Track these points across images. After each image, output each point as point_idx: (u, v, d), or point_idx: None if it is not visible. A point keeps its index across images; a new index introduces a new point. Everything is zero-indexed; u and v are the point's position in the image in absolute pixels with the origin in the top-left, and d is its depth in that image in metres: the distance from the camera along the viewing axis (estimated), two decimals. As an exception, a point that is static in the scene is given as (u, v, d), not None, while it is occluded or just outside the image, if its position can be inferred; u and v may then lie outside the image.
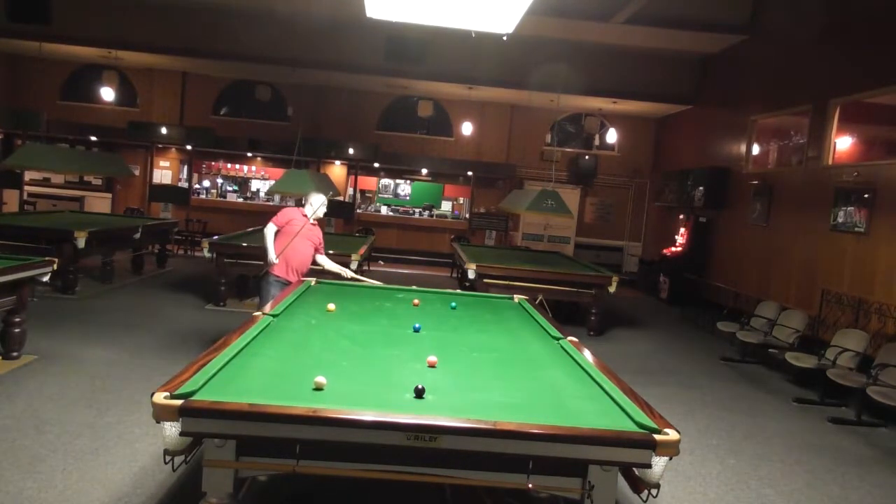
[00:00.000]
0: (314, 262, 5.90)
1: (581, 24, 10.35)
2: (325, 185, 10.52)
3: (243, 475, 2.55)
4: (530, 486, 2.45)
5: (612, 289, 8.07)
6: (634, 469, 2.50)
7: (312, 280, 5.41)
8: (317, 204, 5.70)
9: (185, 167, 14.64)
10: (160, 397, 2.35)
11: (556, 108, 12.00)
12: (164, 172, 14.54)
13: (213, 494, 2.44)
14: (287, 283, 5.41)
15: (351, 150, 13.67)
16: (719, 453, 4.78)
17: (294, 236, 5.50)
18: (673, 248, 12.10)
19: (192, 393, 2.42)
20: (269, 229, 5.60)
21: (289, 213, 5.68)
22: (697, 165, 11.77)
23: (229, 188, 15.09)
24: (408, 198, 15.76)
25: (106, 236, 8.58)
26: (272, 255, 5.51)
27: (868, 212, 7.17)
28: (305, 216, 5.62)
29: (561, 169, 13.95)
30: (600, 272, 8.48)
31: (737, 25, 10.40)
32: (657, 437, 2.39)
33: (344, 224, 14.06)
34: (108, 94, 12.95)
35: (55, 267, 5.56)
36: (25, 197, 13.51)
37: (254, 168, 15.17)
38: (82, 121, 13.84)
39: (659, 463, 2.39)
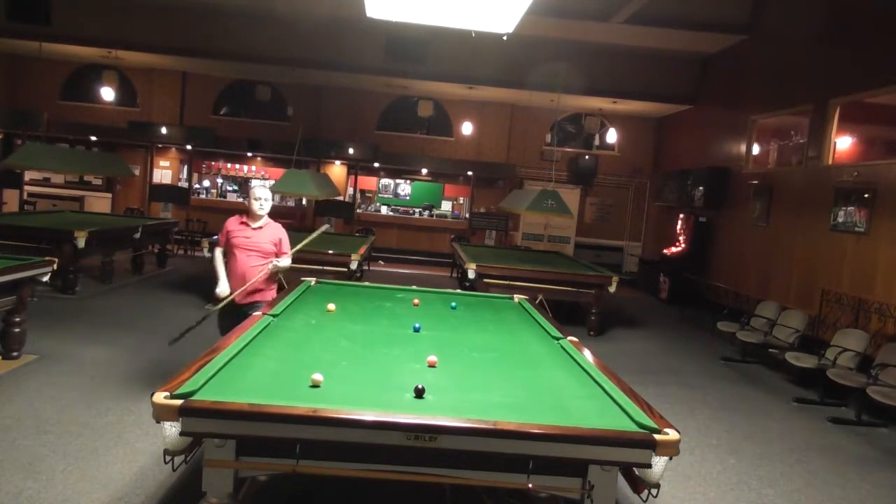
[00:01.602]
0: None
1: (581, 24, 10.35)
2: (325, 185, 10.53)
3: (243, 475, 2.55)
4: (530, 486, 2.45)
5: (612, 289, 8.07)
6: (634, 469, 2.50)
7: (312, 280, 5.41)
8: (257, 196, 4.59)
9: (185, 167, 14.64)
10: (160, 397, 2.36)
11: (556, 108, 11.99)
12: (164, 172, 14.55)
13: (213, 494, 2.45)
14: (238, 306, 4.54)
15: (351, 150, 13.67)
16: (719, 453, 4.78)
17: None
18: (673, 248, 12.10)
19: (192, 393, 2.43)
20: (216, 253, 4.73)
21: (227, 225, 4.69)
22: (697, 165, 11.77)
23: (229, 188, 15.09)
24: (408, 198, 15.76)
25: (106, 236, 8.58)
26: (223, 284, 4.60)
27: (868, 212, 7.17)
28: (244, 223, 4.61)
29: (561, 169, 13.96)
30: (600, 272, 8.48)
31: (737, 25, 10.40)
32: (657, 436, 2.39)
33: (344, 224, 14.06)
34: (108, 93, 12.95)
35: (55, 267, 5.56)
36: (25, 197, 13.52)
37: (254, 168, 15.17)
38: (82, 121, 13.84)
39: (659, 463, 2.39)
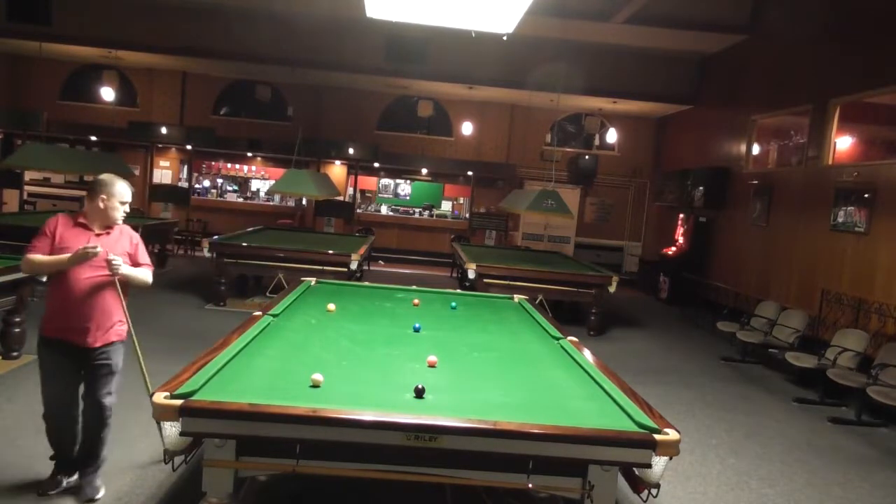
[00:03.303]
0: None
1: (581, 24, 10.35)
2: (325, 185, 10.53)
3: (243, 475, 2.55)
4: (530, 486, 2.45)
5: (612, 289, 8.07)
6: (634, 469, 2.50)
7: (312, 280, 5.41)
8: (124, 199, 3.31)
9: (185, 167, 14.64)
10: (160, 397, 2.36)
11: (556, 108, 11.98)
12: (164, 172, 14.55)
13: (213, 494, 2.45)
14: (73, 347, 3.20)
15: (351, 150, 13.67)
16: (719, 453, 4.78)
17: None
18: (673, 248, 12.10)
19: (192, 393, 2.43)
20: (32, 260, 3.24)
21: (53, 226, 3.25)
22: (697, 165, 11.77)
23: (229, 188, 15.09)
24: (408, 198, 15.76)
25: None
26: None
27: (868, 212, 7.17)
28: (83, 226, 3.27)
29: (561, 169, 13.95)
30: (600, 272, 8.48)
31: (737, 25, 10.40)
32: (657, 436, 2.39)
33: (344, 224, 14.06)
34: (108, 93, 12.95)
35: (55, 267, 5.55)
36: (25, 197, 13.52)
37: (254, 168, 15.18)
38: (82, 121, 13.84)
39: (659, 463, 2.39)
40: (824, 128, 8.28)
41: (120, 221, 3.33)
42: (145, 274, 3.43)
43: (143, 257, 3.46)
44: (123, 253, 3.32)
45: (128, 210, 3.35)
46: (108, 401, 3.35)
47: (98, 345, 3.24)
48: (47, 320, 3.25)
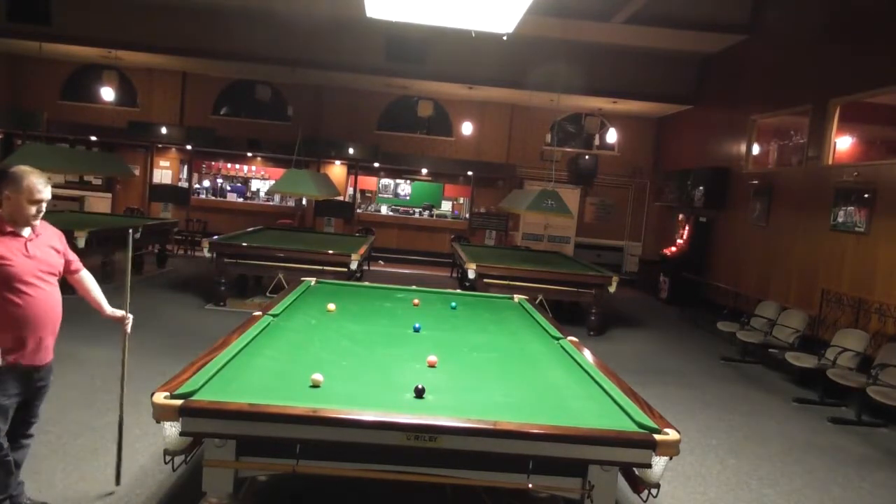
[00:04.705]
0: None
1: (581, 24, 10.34)
2: (325, 185, 10.53)
3: (243, 475, 2.55)
4: (530, 486, 2.45)
5: (612, 289, 8.07)
6: (634, 469, 2.50)
7: (312, 280, 5.41)
8: (38, 197, 2.80)
9: (185, 167, 14.65)
10: (160, 397, 2.36)
11: (556, 108, 11.99)
12: (164, 172, 14.55)
13: (213, 494, 2.45)
14: (25, 370, 2.86)
15: (351, 150, 13.68)
16: (719, 453, 4.78)
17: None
18: (673, 248, 12.10)
19: (192, 393, 2.43)
20: None
21: None
22: (697, 165, 11.77)
23: (230, 187, 15.09)
24: (408, 198, 15.76)
25: (106, 236, 8.58)
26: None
27: (868, 212, 7.17)
28: (13, 234, 2.80)
29: (561, 169, 13.95)
30: (600, 272, 8.48)
31: (737, 25, 10.40)
32: (657, 437, 2.39)
33: (344, 224, 14.07)
34: (107, 93, 12.95)
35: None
36: (25, 197, 13.51)
37: (254, 168, 15.18)
38: (82, 121, 13.84)
39: (659, 463, 2.40)
40: (824, 128, 8.28)
41: (34, 222, 2.84)
42: (95, 285, 3.41)
43: (71, 253, 3.16)
44: (54, 252, 3.00)
45: (43, 209, 2.84)
46: (35, 427, 3.11)
47: (46, 362, 2.98)
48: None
